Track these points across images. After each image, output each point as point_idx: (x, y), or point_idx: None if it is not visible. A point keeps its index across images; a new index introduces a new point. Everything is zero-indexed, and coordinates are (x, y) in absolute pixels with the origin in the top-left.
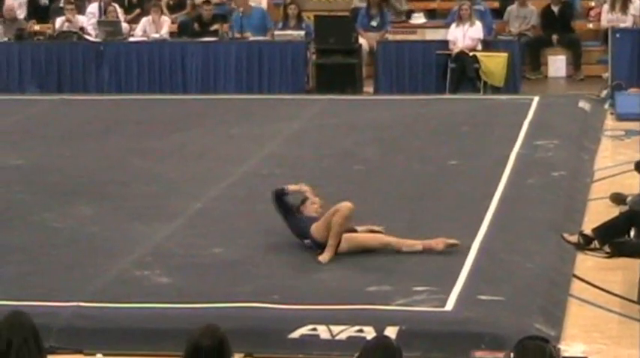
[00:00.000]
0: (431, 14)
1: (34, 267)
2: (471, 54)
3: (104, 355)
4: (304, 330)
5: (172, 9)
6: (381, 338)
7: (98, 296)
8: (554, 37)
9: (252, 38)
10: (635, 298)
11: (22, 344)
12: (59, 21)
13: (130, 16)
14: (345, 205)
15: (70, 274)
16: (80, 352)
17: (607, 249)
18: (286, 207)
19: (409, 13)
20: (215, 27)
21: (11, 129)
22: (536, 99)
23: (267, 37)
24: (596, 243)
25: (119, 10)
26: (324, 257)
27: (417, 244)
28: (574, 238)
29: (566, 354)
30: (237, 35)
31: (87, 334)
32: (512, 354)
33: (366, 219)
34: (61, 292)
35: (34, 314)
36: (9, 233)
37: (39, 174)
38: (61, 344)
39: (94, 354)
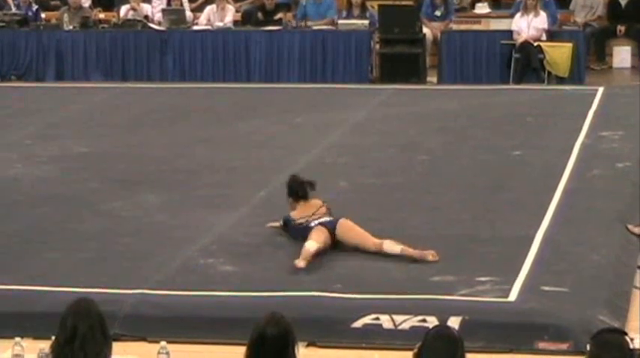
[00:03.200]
0: (495, 4)
1: (101, 254)
2: (535, 44)
3: (168, 343)
4: (367, 320)
5: None
6: (442, 328)
7: (163, 284)
8: (620, 28)
9: (315, 27)
10: None
11: (87, 331)
12: (124, 9)
13: (194, 5)
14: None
15: (136, 262)
16: (144, 339)
17: None
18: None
19: (473, 3)
20: (279, 16)
21: (76, 117)
22: (600, 90)
23: (331, 27)
24: None
25: None
26: (299, 262)
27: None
28: (638, 229)
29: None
30: (301, 23)
31: (151, 322)
32: (588, 346)
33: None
34: (126, 280)
35: (99, 301)
36: (76, 220)
37: (105, 162)
38: (126, 332)
39: (158, 342)
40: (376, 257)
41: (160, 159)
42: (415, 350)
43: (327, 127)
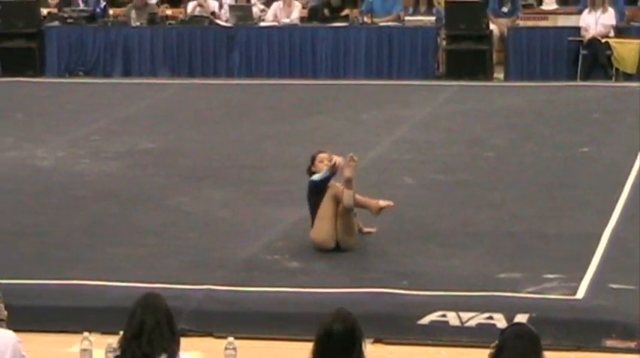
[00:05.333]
0: (563, 0)
1: (167, 249)
2: (603, 40)
3: (235, 338)
4: (434, 316)
5: None
6: (520, 327)
7: (229, 280)
8: None
9: (381, 23)
10: None
11: (155, 325)
12: (191, 5)
13: (261, 1)
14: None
15: (202, 257)
16: (211, 335)
17: None
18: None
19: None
20: (345, 12)
21: (143, 112)
22: None
23: (398, 23)
24: None
25: None
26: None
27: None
28: None
29: None
30: (367, 20)
31: (217, 317)
32: None
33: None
34: (192, 275)
35: (165, 296)
36: (143, 215)
37: (171, 157)
38: (192, 327)
39: (224, 337)
40: (442, 254)
41: (226, 155)
42: (492, 350)
43: (392, 123)
